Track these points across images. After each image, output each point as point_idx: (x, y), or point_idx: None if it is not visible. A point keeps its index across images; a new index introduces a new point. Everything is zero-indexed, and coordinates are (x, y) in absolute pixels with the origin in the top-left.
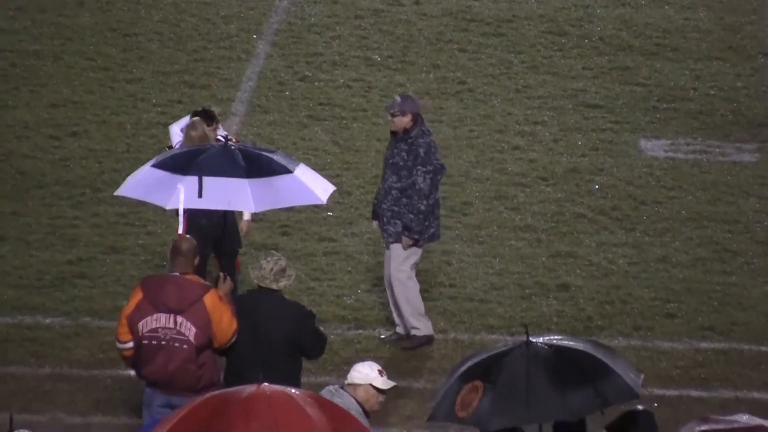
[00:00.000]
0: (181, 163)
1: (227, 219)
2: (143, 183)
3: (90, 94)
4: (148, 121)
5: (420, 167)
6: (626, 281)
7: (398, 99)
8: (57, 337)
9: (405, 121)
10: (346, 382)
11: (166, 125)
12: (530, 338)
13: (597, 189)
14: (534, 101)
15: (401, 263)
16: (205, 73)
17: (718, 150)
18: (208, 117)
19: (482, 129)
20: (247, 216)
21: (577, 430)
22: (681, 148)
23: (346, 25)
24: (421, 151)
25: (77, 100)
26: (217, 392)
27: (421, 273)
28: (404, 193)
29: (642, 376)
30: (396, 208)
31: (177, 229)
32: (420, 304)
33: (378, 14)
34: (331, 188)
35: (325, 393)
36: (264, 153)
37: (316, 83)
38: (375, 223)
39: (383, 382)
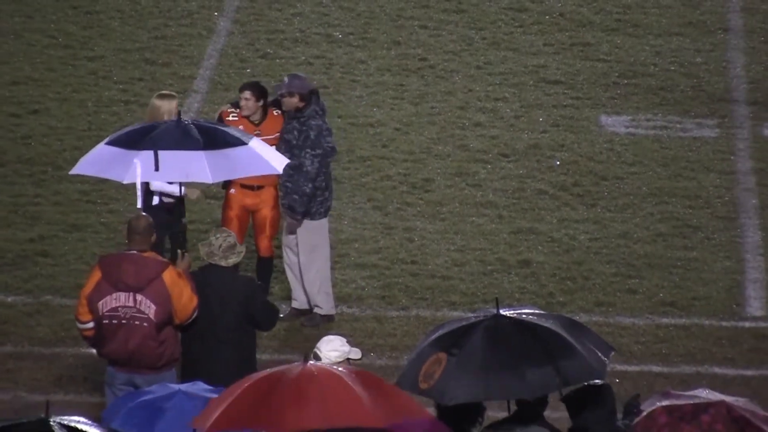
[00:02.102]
0: (135, 139)
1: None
2: (98, 160)
3: (51, 72)
4: (109, 98)
5: (308, 150)
6: (587, 257)
7: (286, 79)
8: (19, 315)
9: (294, 101)
10: (321, 362)
11: (128, 103)
12: (500, 311)
13: (558, 165)
14: (495, 78)
15: (305, 240)
16: (166, 51)
17: (678, 126)
18: (261, 91)
19: (443, 106)
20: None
21: (539, 404)
22: (642, 124)
23: (307, 1)
24: (312, 133)
25: (38, 77)
26: (264, 373)
27: (383, 250)
28: (296, 170)
29: (612, 354)
30: (289, 184)
31: (137, 205)
32: (328, 282)
33: None
34: (285, 161)
35: None
36: (218, 126)
37: (278, 60)
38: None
39: (356, 353)
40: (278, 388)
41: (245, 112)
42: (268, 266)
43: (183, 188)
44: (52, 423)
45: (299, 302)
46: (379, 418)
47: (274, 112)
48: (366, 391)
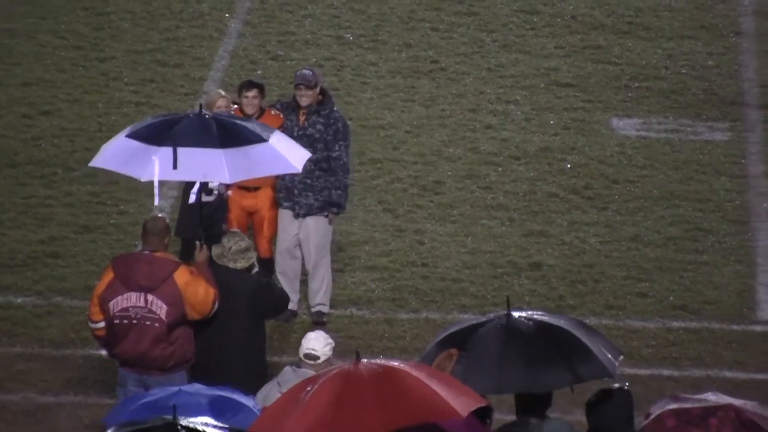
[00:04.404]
0: (156, 134)
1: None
2: (118, 154)
3: (62, 73)
4: (120, 100)
5: (342, 141)
6: (598, 260)
7: (309, 71)
8: (29, 317)
9: (315, 93)
10: (318, 360)
11: (138, 104)
12: (511, 311)
13: (569, 168)
14: (506, 80)
15: (322, 237)
16: (177, 52)
17: (689, 129)
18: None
19: (454, 108)
20: None
21: (544, 400)
22: (653, 127)
23: (318, 3)
24: (339, 125)
25: (49, 78)
26: (332, 371)
27: (393, 253)
28: (318, 165)
29: (621, 357)
30: (309, 181)
31: (153, 203)
32: (331, 279)
33: None
34: (306, 155)
35: (287, 374)
36: (238, 122)
37: (288, 62)
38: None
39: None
40: (352, 382)
41: (250, 110)
42: (268, 267)
43: (228, 188)
44: (179, 426)
45: (293, 303)
46: (457, 408)
47: (272, 111)
48: (425, 377)
